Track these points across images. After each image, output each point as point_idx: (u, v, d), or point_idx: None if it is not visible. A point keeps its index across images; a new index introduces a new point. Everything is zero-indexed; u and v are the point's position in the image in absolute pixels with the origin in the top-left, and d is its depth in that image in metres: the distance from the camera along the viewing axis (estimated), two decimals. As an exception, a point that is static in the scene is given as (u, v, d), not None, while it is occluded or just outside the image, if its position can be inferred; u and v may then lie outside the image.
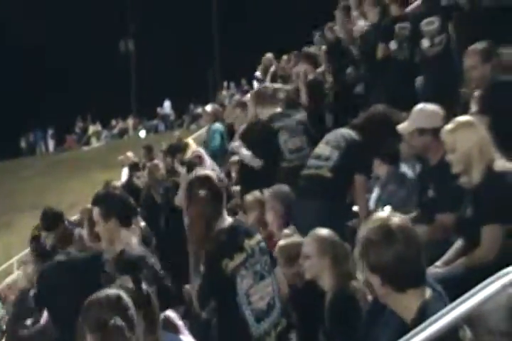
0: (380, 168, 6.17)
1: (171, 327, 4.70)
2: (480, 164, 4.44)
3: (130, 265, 4.61)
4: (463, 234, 4.59)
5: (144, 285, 3.56)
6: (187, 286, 5.72)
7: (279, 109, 7.59)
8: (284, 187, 6.32)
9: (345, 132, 6.00)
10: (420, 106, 5.48)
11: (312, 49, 12.15)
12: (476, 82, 6.07)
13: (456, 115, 5.09)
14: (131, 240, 5.00)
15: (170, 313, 4.82)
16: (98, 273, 4.67)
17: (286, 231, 5.68)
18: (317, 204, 5.68)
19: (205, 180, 4.33)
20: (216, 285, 4.16)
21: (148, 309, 3.47)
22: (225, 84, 32.06)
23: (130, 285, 3.96)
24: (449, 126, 4.62)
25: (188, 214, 4.35)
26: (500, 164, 4.42)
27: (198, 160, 9.46)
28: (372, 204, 6.18)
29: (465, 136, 4.49)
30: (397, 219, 3.12)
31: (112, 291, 3.23)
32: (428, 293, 3.08)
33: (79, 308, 3.19)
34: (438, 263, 4.44)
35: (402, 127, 5.47)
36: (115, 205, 4.99)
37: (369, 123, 5.95)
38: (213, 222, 4.28)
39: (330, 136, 6.06)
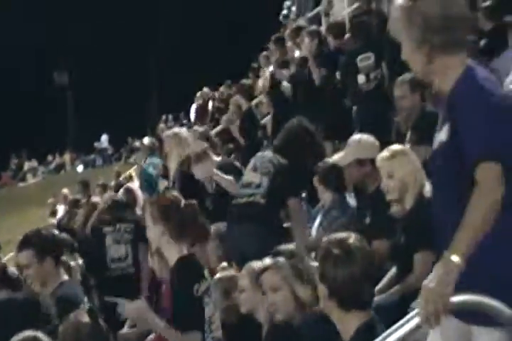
0: (325, 195, 6.20)
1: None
2: (414, 191, 4.55)
3: (70, 304, 4.53)
4: (396, 261, 4.64)
5: (100, 320, 3.49)
6: (121, 332, 5.61)
7: None
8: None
9: (272, 156, 6.04)
10: (357, 137, 5.58)
11: (247, 80, 12.24)
12: (407, 112, 6.25)
13: (389, 143, 5.20)
14: (65, 278, 4.90)
15: None
16: (26, 315, 4.57)
17: (223, 264, 5.64)
18: (252, 228, 5.71)
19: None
20: (190, 308, 4.09)
21: None
22: (164, 117, 32.03)
23: (86, 319, 3.90)
24: (385, 154, 4.72)
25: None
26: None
27: (129, 194, 9.47)
28: (314, 230, 6.24)
29: (402, 164, 4.61)
30: (358, 239, 3.21)
31: (28, 333, 3.17)
32: (370, 316, 3.13)
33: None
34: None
35: (339, 158, 5.54)
36: (49, 244, 4.88)
37: (287, 143, 6.03)
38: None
39: (257, 162, 6.08)
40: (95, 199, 11.01)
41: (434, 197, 2.92)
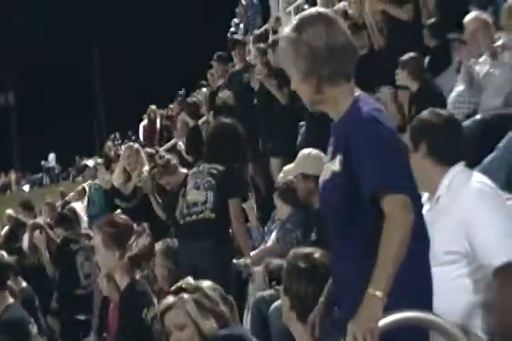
0: (283, 210, 6.22)
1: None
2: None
3: (18, 326, 4.48)
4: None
5: None
6: None
7: None
8: (174, 243, 6.23)
9: (209, 168, 6.08)
10: (306, 151, 5.59)
11: (194, 98, 12.24)
12: None
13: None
14: (10, 301, 4.83)
15: None
16: None
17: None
18: (202, 244, 5.76)
19: None
20: (139, 333, 4.04)
21: None
22: (112, 135, 31.82)
23: None
24: None
25: None
26: None
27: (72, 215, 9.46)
28: (270, 242, 6.35)
29: None
30: (323, 255, 3.29)
31: None
32: None
33: None
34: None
35: (287, 170, 5.56)
36: None
37: (217, 148, 6.12)
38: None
39: (197, 179, 6.09)
40: (40, 219, 10.85)
41: (325, 222, 2.92)
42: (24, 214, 12.22)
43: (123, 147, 11.76)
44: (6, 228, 12.44)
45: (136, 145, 8.71)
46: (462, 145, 3.49)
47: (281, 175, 6.25)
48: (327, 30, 2.78)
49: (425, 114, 3.53)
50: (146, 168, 8.05)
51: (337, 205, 2.76)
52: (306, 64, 2.78)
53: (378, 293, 2.60)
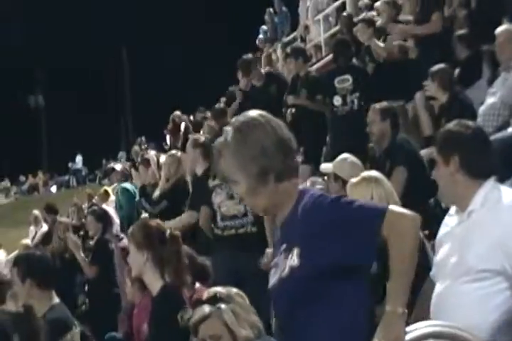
0: None
1: None
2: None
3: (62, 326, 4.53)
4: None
5: None
6: None
7: None
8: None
9: None
10: (345, 156, 5.77)
11: (220, 105, 12.21)
12: (376, 137, 6.48)
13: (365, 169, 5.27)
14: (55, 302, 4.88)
15: None
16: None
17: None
18: (249, 256, 5.86)
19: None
20: (174, 335, 4.05)
21: None
22: (139, 139, 31.93)
23: None
24: (355, 180, 4.71)
25: None
26: None
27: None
28: None
29: (381, 190, 4.60)
30: None
31: None
32: None
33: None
34: None
35: (324, 167, 5.86)
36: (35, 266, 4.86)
37: None
38: None
39: (227, 189, 6.11)
40: (64, 219, 10.83)
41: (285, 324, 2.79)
42: (47, 217, 12.15)
43: (152, 152, 11.79)
44: (45, 228, 12.50)
45: (179, 154, 8.67)
46: (493, 158, 3.40)
47: (322, 166, 6.24)
48: (272, 127, 2.72)
49: (453, 125, 3.41)
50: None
51: (300, 298, 2.67)
52: (257, 166, 2.68)
53: (399, 310, 2.58)
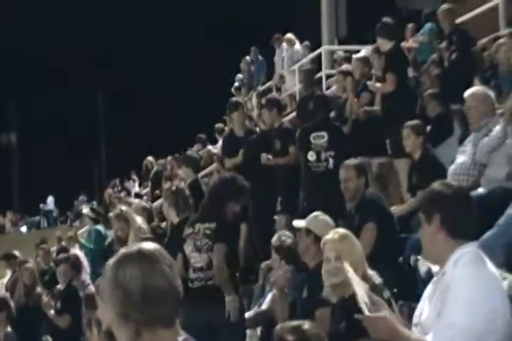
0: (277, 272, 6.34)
1: None
2: (359, 274, 4.53)
3: None
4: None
5: None
6: None
7: None
8: None
9: (203, 228, 6.30)
10: (317, 213, 5.82)
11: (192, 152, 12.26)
12: (352, 194, 6.46)
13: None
14: None
15: None
16: None
17: None
18: (215, 307, 6.07)
19: None
20: None
21: None
22: (112, 182, 31.80)
23: None
24: (334, 236, 4.75)
25: None
26: (371, 272, 4.69)
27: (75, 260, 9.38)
28: (264, 305, 6.56)
29: (352, 246, 4.69)
30: (312, 326, 3.22)
31: None
32: None
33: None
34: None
35: (296, 223, 5.93)
36: None
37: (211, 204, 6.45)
38: None
39: (196, 241, 6.27)
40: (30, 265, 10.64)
41: None
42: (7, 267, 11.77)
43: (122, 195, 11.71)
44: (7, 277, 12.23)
45: (143, 204, 8.68)
46: (474, 217, 3.39)
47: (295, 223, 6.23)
48: (144, 272, 2.45)
49: (436, 185, 3.43)
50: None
51: None
52: (121, 308, 2.48)
53: None
